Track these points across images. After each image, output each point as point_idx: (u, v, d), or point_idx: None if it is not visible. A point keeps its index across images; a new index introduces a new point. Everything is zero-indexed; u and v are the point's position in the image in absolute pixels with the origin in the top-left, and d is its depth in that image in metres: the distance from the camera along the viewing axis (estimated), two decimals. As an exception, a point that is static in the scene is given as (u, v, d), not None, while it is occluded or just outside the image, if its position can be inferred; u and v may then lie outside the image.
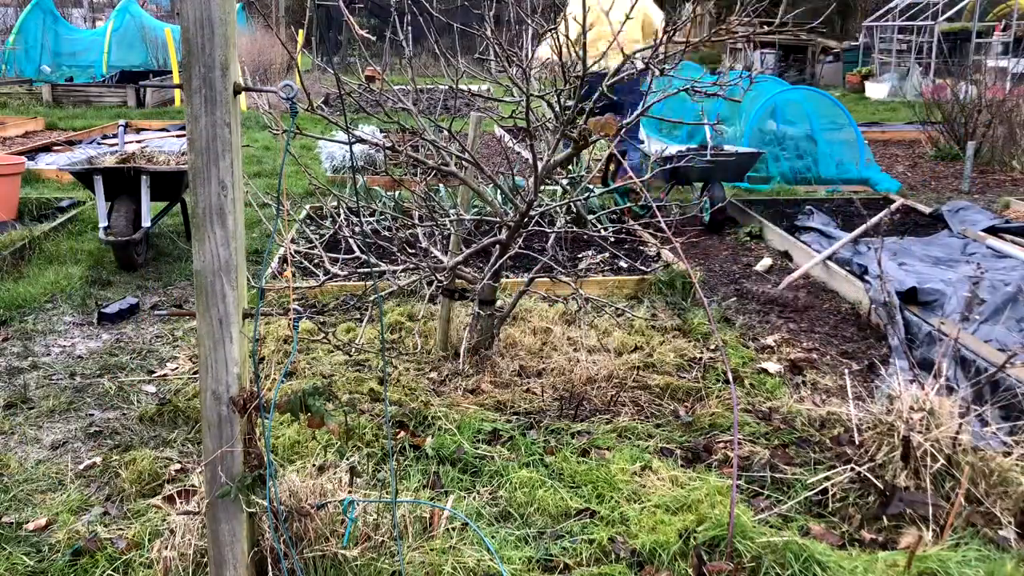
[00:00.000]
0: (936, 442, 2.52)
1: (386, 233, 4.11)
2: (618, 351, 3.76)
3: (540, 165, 3.32)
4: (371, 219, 5.16)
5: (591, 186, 6.19)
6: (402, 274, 3.47)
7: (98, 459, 2.92)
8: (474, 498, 2.65)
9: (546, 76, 3.73)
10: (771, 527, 2.46)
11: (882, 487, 2.52)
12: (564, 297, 4.26)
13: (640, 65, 3.28)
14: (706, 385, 3.42)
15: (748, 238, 5.91)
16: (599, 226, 4.14)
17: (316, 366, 3.61)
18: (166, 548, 2.24)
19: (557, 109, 3.16)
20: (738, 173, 6.36)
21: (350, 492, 2.43)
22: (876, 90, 15.63)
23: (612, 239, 5.24)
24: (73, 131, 10.47)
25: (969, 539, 2.39)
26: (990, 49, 14.88)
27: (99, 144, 9.36)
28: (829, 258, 4.91)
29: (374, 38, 2.85)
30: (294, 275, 4.43)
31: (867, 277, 4.56)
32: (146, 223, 5.07)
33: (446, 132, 3.25)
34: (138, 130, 10.61)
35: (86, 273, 4.94)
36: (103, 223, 4.98)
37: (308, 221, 5.72)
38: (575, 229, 3.94)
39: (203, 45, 1.75)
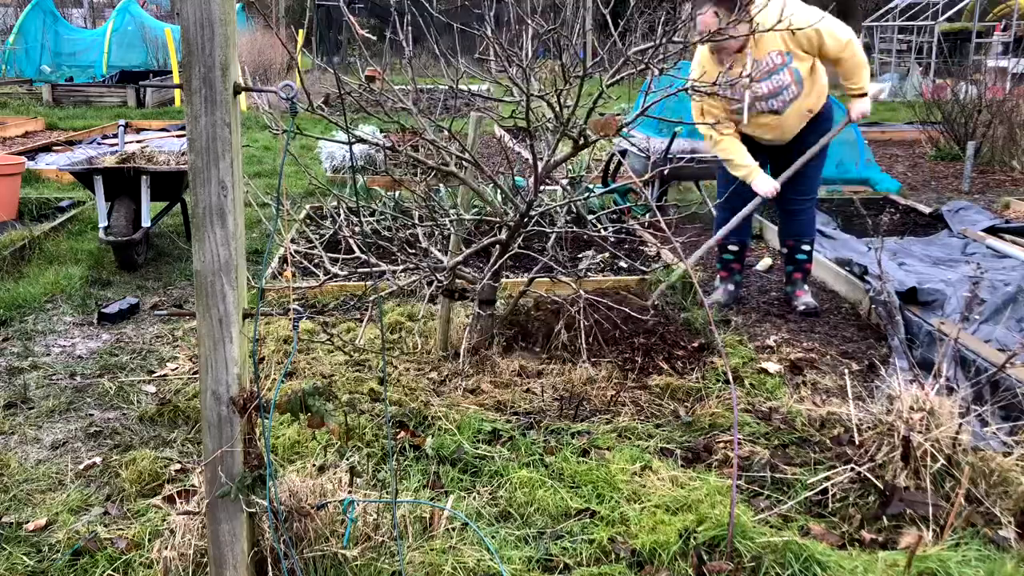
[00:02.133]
0: (936, 442, 2.52)
1: (386, 233, 4.11)
2: (618, 351, 3.75)
3: (540, 165, 3.32)
4: (371, 219, 5.16)
5: (591, 186, 6.19)
6: (402, 274, 3.47)
7: (98, 459, 2.92)
8: (474, 498, 2.65)
9: (546, 76, 3.73)
10: (771, 527, 2.46)
11: (882, 487, 2.52)
12: (564, 297, 4.25)
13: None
14: (706, 385, 3.42)
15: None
16: (599, 226, 4.14)
17: (316, 366, 3.61)
18: (166, 548, 2.24)
19: (557, 109, 3.16)
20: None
21: (350, 492, 2.43)
22: (876, 90, 15.60)
23: (612, 239, 5.24)
24: (73, 131, 10.47)
25: (969, 539, 2.39)
26: (990, 49, 14.88)
27: (99, 144, 9.36)
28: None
29: (374, 38, 2.85)
30: (294, 275, 4.43)
31: (867, 277, 4.56)
32: (146, 223, 5.08)
33: (446, 132, 3.25)
34: (138, 130, 10.62)
35: (86, 273, 4.94)
36: (103, 223, 4.99)
37: (308, 221, 5.72)
38: (575, 229, 3.94)
39: (203, 45, 1.75)
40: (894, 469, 2.54)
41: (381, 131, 7.11)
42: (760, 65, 3.92)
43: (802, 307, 4.35)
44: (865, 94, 4.19)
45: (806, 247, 4.40)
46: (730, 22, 3.59)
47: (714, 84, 3.21)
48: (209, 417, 1.94)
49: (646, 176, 4.28)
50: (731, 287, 4.54)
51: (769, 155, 4.33)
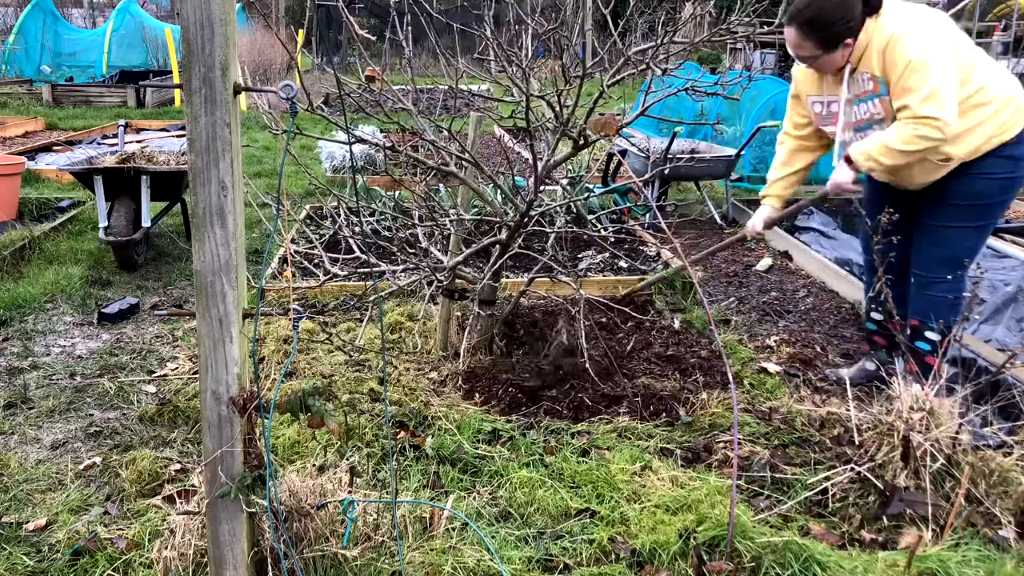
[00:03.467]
0: (936, 442, 2.52)
1: (386, 233, 4.11)
2: (618, 351, 3.75)
3: (540, 165, 3.32)
4: (371, 219, 5.16)
5: (591, 186, 6.19)
6: (402, 274, 3.47)
7: (98, 459, 2.92)
8: (474, 498, 2.65)
9: (546, 76, 3.73)
10: (771, 527, 2.46)
11: (882, 487, 2.52)
12: (564, 297, 4.26)
13: None
14: (706, 385, 3.42)
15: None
16: (599, 226, 4.14)
17: (316, 366, 3.61)
18: (166, 548, 2.24)
19: (557, 109, 3.16)
20: (724, 172, 6.44)
21: (350, 492, 2.43)
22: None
23: (612, 239, 5.24)
24: (73, 131, 10.47)
25: (969, 539, 2.39)
26: (990, 49, 14.88)
27: (99, 144, 9.36)
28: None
29: (374, 38, 2.85)
30: (294, 275, 4.43)
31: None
32: (146, 223, 5.08)
33: (446, 132, 3.25)
34: (138, 130, 10.61)
35: (86, 273, 4.94)
36: (103, 223, 4.99)
37: (308, 221, 5.72)
38: (575, 229, 3.94)
39: (203, 45, 1.75)
40: (894, 469, 2.55)
41: (381, 131, 7.12)
42: (855, 84, 3.02)
43: None
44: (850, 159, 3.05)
45: (932, 334, 3.12)
46: (815, 56, 2.99)
47: (713, 84, 3.19)
48: (209, 417, 1.94)
49: (646, 176, 4.29)
50: (869, 366, 3.50)
51: (896, 202, 3.23)
